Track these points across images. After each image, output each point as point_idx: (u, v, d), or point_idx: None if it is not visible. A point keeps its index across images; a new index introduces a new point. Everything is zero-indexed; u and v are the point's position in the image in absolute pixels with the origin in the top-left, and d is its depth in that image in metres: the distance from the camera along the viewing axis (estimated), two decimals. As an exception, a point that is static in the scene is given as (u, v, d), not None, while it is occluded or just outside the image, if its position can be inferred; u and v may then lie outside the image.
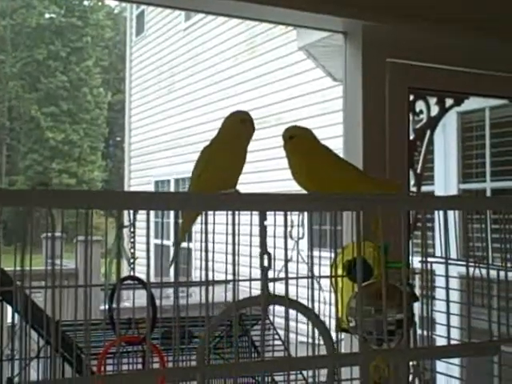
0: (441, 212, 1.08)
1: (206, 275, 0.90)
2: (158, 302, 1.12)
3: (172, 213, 0.97)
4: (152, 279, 0.96)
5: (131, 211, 0.97)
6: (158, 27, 12.40)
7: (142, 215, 1.04)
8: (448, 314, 1.10)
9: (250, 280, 1.16)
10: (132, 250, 0.99)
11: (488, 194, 3.84)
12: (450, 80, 2.15)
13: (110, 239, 1.12)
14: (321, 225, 1.23)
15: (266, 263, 0.90)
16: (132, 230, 0.99)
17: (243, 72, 9.40)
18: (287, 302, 0.94)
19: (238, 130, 1.30)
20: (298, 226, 1.16)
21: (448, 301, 1.11)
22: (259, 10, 1.92)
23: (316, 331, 0.97)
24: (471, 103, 2.35)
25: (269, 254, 0.90)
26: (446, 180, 4.14)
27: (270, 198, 0.94)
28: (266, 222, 0.96)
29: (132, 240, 0.97)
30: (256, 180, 8.01)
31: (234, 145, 1.28)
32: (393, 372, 1.07)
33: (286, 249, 0.92)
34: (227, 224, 0.94)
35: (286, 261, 0.94)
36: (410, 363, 1.44)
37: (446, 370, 1.54)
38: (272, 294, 0.95)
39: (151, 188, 12.00)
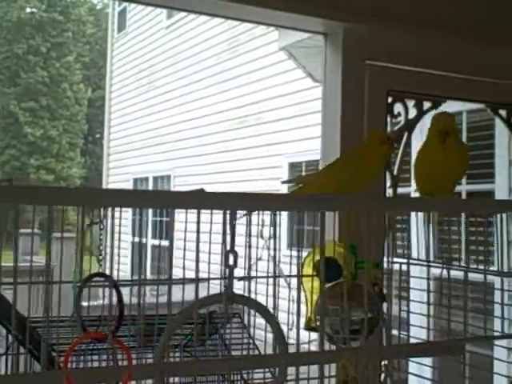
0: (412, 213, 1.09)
1: (185, 273, 0.90)
2: (135, 300, 1.12)
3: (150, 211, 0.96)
4: (128, 277, 0.95)
5: (101, 209, 0.97)
6: (139, 24, 12.35)
7: (118, 213, 1.03)
8: (408, 312, 1.11)
9: (220, 279, 1.16)
10: (101, 247, 0.98)
11: (463, 196, 3.88)
12: (428, 83, 2.16)
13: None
14: (293, 224, 1.23)
15: (231, 262, 0.90)
16: (101, 227, 0.99)
17: (224, 71, 9.39)
18: (246, 300, 0.94)
19: (375, 147, 1.35)
20: (270, 225, 1.16)
21: (409, 300, 1.12)
22: (241, 9, 1.92)
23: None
24: (448, 106, 2.37)
25: (235, 253, 0.91)
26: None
27: (238, 196, 0.94)
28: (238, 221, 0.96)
29: (101, 237, 0.97)
30: (240, 179, 7.98)
31: (368, 158, 1.32)
32: (360, 371, 1.08)
33: (249, 247, 0.92)
34: (198, 223, 0.94)
35: (250, 259, 0.95)
36: (382, 363, 1.45)
37: (419, 371, 1.55)
38: (232, 292, 0.95)
39: (130, 185, 11.95)
